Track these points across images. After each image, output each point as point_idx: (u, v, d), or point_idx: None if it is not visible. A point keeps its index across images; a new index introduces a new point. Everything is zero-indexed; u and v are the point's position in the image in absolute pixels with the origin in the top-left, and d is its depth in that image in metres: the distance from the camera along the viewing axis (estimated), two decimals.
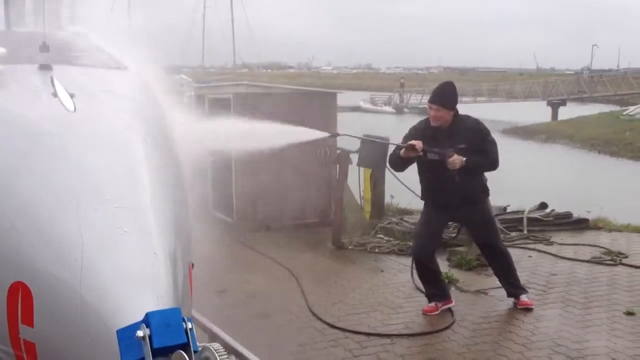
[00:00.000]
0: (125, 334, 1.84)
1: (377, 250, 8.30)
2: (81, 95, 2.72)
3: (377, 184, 9.51)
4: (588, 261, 7.66)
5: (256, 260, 8.02)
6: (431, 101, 5.84)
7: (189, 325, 1.89)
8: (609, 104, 50.93)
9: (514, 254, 8.02)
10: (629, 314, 5.93)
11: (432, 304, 6.10)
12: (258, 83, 10.58)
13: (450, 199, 5.81)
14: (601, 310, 6.07)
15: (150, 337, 1.82)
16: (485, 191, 6.03)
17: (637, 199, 16.66)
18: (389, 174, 8.21)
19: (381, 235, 8.80)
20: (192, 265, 2.73)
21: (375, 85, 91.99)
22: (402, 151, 5.77)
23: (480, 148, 5.76)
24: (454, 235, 7.92)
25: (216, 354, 1.73)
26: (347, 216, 8.72)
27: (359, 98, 61.41)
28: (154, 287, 1.99)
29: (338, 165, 8.90)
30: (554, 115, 46.37)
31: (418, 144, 5.66)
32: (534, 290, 6.64)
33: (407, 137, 5.87)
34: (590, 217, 9.63)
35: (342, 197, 8.68)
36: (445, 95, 5.83)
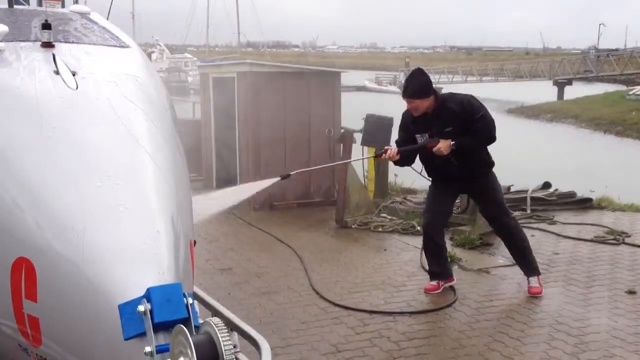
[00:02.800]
0: (127, 309, 1.87)
1: (380, 229, 8.32)
2: (83, 73, 2.73)
3: (380, 163, 9.52)
4: (591, 240, 7.68)
5: (260, 239, 8.06)
6: (403, 95, 5.77)
7: (190, 300, 1.91)
8: (616, 84, 50.67)
9: None
10: (631, 292, 5.95)
11: (434, 282, 6.13)
12: (262, 62, 10.56)
13: (450, 178, 5.88)
14: (603, 289, 6.09)
15: (151, 311, 1.84)
16: (488, 164, 5.95)
17: None
18: None
19: (384, 215, 8.83)
20: (194, 242, 2.75)
21: (381, 64, 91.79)
22: (381, 159, 5.95)
23: (472, 127, 5.65)
24: (459, 212, 7.95)
25: (216, 328, 1.76)
26: (351, 195, 8.73)
27: (364, 78, 61.25)
28: (155, 263, 2.01)
29: (342, 144, 8.90)
30: (560, 94, 46.18)
31: (391, 153, 5.74)
32: None
33: (400, 128, 6.00)
34: (594, 196, 9.63)
35: (345, 176, 8.68)
36: (414, 88, 5.70)
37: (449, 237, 7.69)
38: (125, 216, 2.11)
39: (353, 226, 8.49)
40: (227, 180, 10.79)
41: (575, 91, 44.55)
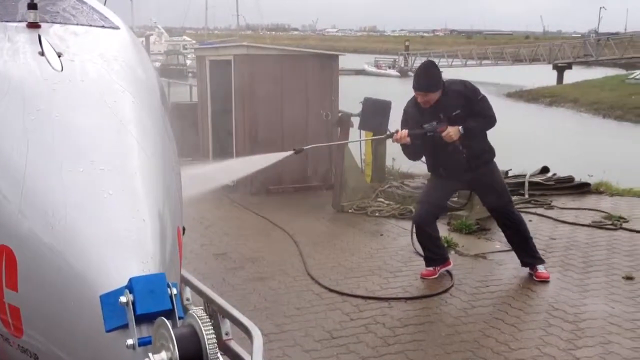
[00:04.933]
0: (109, 300, 1.80)
1: (377, 214, 8.26)
2: (69, 54, 2.66)
3: (378, 148, 9.45)
4: (588, 225, 7.62)
5: (256, 224, 8.00)
6: (416, 88, 5.65)
7: (174, 291, 1.84)
8: (616, 68, 50.50)
9: None
10: (628, 278, 5.90)
11: (431, 268, 6.08)
12: (259, 44, 10.45)
13: (457, 168, 5.75)
14: (600, 274, 6.05)
15: (133, 303, 1.78)
16: (490, 152, 5.89)
17: None
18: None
19: (382, 199, 8.77)
20: (183, 229, 2.69)
21: (380, 48, 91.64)
22: (393, 141, 5.83)
23: (474, 110, 5.64)
24: (462, 203, 7.77)
25: (199, 321, 1.70)
26: (348, 180, 8.66)
27: (364, 61, 61.04)
28: (139, 252, 1.95)
29: (339, 128, 8.82)
30: (560, 78, 46.01)
31: (401, 134, 5.64)
32: None
33: (403, 121, 5.87)
34: (592, 181, 9.57)
35: (342, 161, 8.61)
36: (429, 81, 5.64)
37: (446, 222, 7.65)
38: (109, 202, 2.04)
39: (350, 211, 8.43)
40: None
41: (575, 75, 44.38)
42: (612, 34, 64.20)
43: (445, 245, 6.73)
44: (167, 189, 2.36)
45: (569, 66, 47.35)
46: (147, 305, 1.79)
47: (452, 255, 6.54)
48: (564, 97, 36.09)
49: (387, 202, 8.65)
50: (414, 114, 5.79)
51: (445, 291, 5.69)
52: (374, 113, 8.86)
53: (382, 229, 7.71)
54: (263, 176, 9.54)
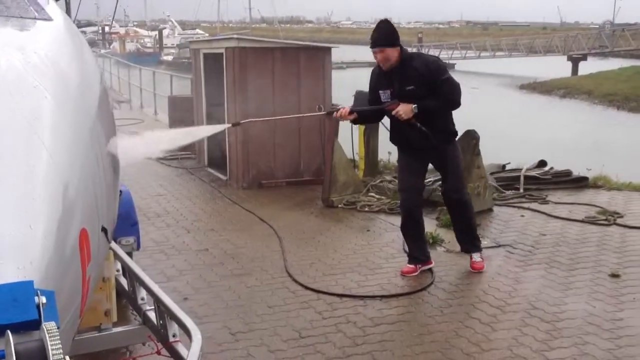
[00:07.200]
0: None
1: (366, 209, 8.12)
2: None
3: (370, 141, 9.31)
4: (581, 221, 7.43)
5: (243, 219, 7.88)
6: (372, 46, 5.53)
7: (43, 299, 1.72)
8: (631, 59, 49.78)
9: (508, 212, 7.88)
10: (614, 276, 5.72)
11: (412, 265, 5.94)
12: (250, 37, 10.32)
13: (415, 144, 5.63)
14: (586, 272, 5.87)
15: None
16: (451, 133, 5.71)
17: None
18: (384, 131, 7.97)
19: (372, 194, 8.62)
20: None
21: None
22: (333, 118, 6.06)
23: (437, 89, 5.41)
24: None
25: (47, 335, 1.58)
26: (338, 174, 8.52)
27: None
28: (16, 257, 1.83)
29: (327, 122, 8.67)
30: (574, 70, 45.45)
31: (342, 112, 5.67)
32: (520, 250, 6.46)
33: (369, 89, 5.82)
34: (590, 175, 9.35)
35: (331, 154, 8.47)
36: (381, 35, 5.50)
37: (435, 217, 7.50)
38: None
39: (339, 206, 8.28)
40: (217, 159, 10.64)
41: (590, 66, 43.80)
42: (630, 24, 63.33)
43: (431, 241, 6.61)
44: (76, 192, 2.23)
45: (583, 57, 46.75)
46: (7, 315, 1.66)
47: (437, 251, 6.42)
48: (578, 88, 35.65)
49: (377, 196, 8.50)
50: (374, 80, 5.72)
51: (423, 289, 5.54)
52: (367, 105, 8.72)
53: (370, 224, 7.56)
54: (255, 172, 9.46)
